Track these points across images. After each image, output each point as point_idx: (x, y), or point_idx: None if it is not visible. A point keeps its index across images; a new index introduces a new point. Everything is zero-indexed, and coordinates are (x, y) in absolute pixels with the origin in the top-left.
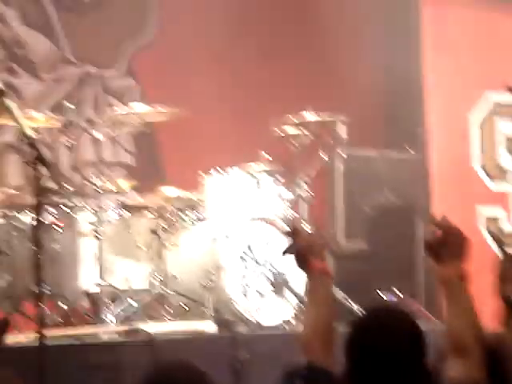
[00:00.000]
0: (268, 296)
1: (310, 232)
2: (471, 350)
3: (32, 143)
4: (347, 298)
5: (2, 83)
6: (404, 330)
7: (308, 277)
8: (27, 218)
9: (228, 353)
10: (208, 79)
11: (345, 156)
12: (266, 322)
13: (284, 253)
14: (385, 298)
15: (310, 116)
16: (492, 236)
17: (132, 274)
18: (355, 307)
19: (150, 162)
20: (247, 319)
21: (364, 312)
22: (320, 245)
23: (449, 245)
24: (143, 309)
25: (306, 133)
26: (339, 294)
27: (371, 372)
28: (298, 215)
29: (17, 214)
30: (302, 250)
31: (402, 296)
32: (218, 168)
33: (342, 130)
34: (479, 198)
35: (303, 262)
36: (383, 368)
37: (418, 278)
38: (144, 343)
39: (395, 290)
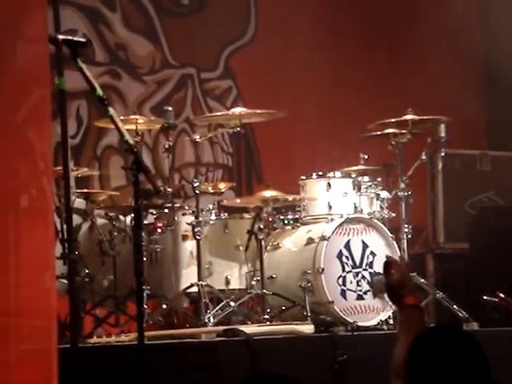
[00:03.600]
0: (366, 297)
1: (400, 266)
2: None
3: (131, 149)
4: (446, 298)
5: (104, 88)
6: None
7: (399, 309)
8: (128, 219)
9: (326, 354)
10: (305, 82)
11: (445, 155)
12: (363, 323)
13: (374, 289)
14: (486, 299)
15: (410, 116)
16: None
17: (230, 275)
18: (455, 308)
19: (247, 163)
20: (345, 320)
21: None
22: (409, 281)
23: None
24: (241, 309)
25: (407, 132)
26: (439, 295)
27: None
28: (395, 215)
29: (118, 216)
30: (395, 286)
31: (503, 297)
32: (316, 170)
33: (443, 130)
34: None
35: (395, 297)
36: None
37: None
38: (242, 344)
39: (496, 291)
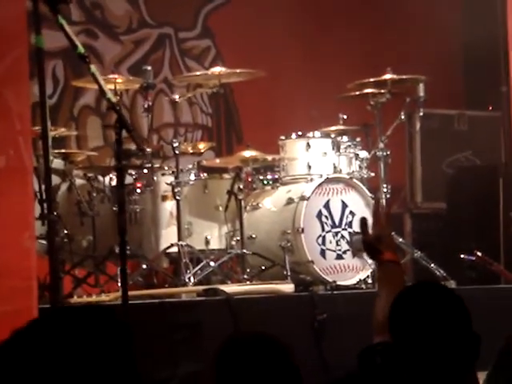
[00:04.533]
0: (345, 256)
1: (380, 224)
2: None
3: (113, 107)
4: (424, 257)
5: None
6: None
7: (378, 266)
8: (107, 179)
9: (306, 313)
10: (284, 41)
11: (424, 115)
12: (343, 282)
13: (351, 246)
14: (463, 258)
15: (389, 76)
16: None
17: (210, 235)
18: (433, 266)
19: (227, 123)
20: (325, 279)
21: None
22: (389, 236)
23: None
24: (221, 269)
25: (386, 92)
26: (417, 254)
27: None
28: (374, 174)
29: (97, 176)
30: (371, 243)
31: (480, 255)
32: (296, 130)
33: (422, 90)
34: None
35: (373, 253)
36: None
37: (498, 239)
38: (222, 303)
39: (474, 250)
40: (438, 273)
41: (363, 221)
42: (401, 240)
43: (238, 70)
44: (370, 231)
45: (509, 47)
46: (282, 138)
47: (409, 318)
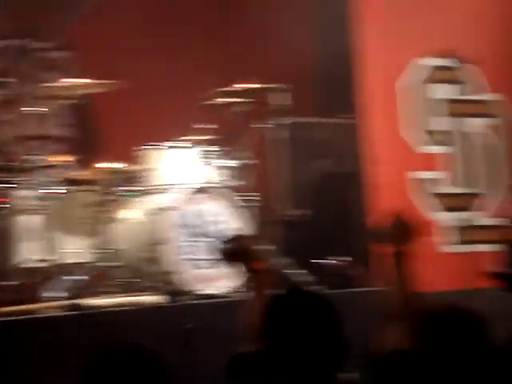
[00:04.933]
0: (214, 265)
1: (241, 238)
2: (404, 317)
3: None
4: (291, 264)
5: None
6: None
7: (248, 274)
8: None
9: (174, 323)
10: (146, 51)
11: (284, 123)
12: (210, 291)
13: (221, 257)
14: (325, 263)
15: (248, 85)
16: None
17: (74, 249)
18: (300, 272)
19: (89, 135)
20: (191, 288)
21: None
22: (251, 248)
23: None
24: (87, 283)
25: (245, 101)
26: (285, 261)
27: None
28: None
29: None
30: (240, 252)
31: (344, 260)
32: (159, 141)
33: (280, 98)
34: (414, 163)
35: (242, 262)
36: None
37: (358, 243)
38: (89, 317)
39: (337, 254)
40: (305, 278)
41: (232, 236)
42: (268, 248)
43: (98, 81)
44: (240, 241)
45: (358, 56)
46: (146, 148)
47: (279, 325)
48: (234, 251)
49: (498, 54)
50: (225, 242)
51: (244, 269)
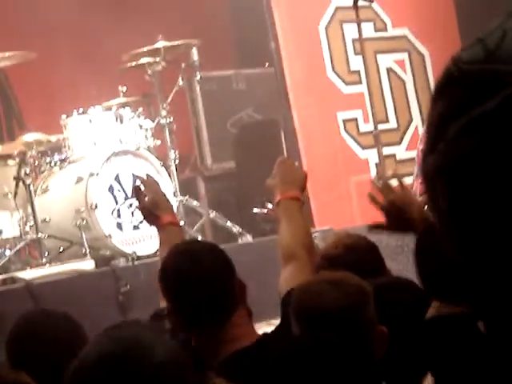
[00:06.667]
0: (141, 226)
1: (151, 186)
2: (299, 256)
3: None
4: (220, 216)
5: None
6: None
7: (158, 229)
8: None
9: (110, 287)
10: (58, 22)
11: (202, 79)
12: (143, 252)
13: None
14: (256, 212)
15: (161, 43)
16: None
17: (2, 224)
18: (229, 224)
19: (5, 109)
20: (124, 251)
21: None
22: (164, 199)
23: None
24: (18, 256)
25: (161, 60)
26: (212, 214)
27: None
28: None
29: None
30: (148, 208)
31: (272, 208)
32: (77, 108)
33: (196, 54)
34: (337, 104)
35: (152, 218)
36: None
37: None
38: (22, 290)
39: (265, 203)
40: (234, 229)
41: (137, 188)
42: (195, 203)
43: (7, 54)
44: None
45: (272, 4)
46: (64, 117)
47: (180, 278)
48: (143, 208)
49: None
50: (137, 196)
51: (155, 224)
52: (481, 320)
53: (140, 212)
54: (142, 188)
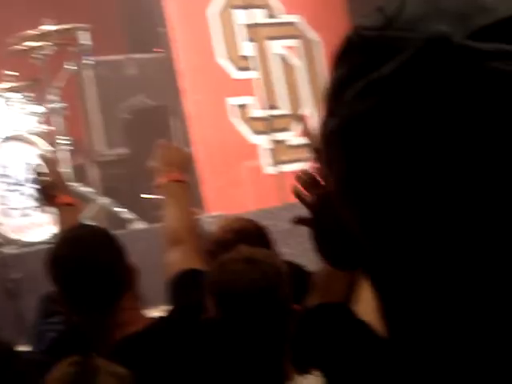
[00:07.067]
0: (31, 212)
1: (52, 168)
2: (186, 239)
3: None
4: (113, 203)
5: None
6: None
7: (57, 211)
8: None
9: None
10: None
11: (92, 63)
12: (32, 239)
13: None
14: (145, 197)
15: (50, 27)
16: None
17: None
18: (122, 210)
19: None
20: (13, 239)
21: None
22: (61, 180)
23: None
24: None
25: (49, 44)
26: (106, 200)
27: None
28: (53, 128)
29: None
30: (46, 189)
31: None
32: None
33: (85, 38)
34: (227, 90)
35: (50, 199)
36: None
37: None
38: None
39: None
40: (127, 216)
41: (37, 168)
42: (88, 190)
43: None
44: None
45: None
46: None
47: (63, 263)
48: (41, 189)
49: None
50: (37, 176)
51: (53, 205)
52: (373, 288)
53: (39, 192)
54: (42, 168)
